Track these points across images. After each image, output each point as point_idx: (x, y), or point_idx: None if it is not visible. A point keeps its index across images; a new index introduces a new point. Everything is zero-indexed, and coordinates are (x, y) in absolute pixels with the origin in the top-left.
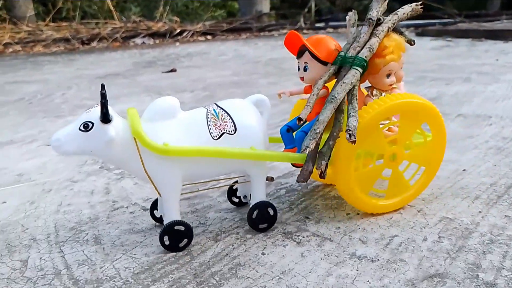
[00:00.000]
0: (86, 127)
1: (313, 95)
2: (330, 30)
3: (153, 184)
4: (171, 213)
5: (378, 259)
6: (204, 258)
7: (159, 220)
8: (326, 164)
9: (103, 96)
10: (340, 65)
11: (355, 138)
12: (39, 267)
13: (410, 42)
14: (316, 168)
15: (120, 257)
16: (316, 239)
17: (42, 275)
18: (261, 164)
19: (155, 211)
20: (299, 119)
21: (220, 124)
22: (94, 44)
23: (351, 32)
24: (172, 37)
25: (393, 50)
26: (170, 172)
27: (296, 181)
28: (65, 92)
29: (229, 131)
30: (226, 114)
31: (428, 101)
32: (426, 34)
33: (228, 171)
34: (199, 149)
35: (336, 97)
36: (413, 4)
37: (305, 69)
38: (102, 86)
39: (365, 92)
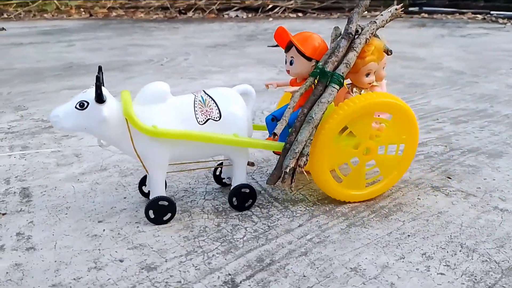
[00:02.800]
0: (82, 105)
1: (289, 108)
2: (425, 15)
3: (142, 162)
4: (157, 189)
5: None
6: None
7: (147, 195)
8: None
9: (98, 79)
10: (318, 78)
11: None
12: None
13: (387, 52)
14: (282, 181)
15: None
16: (461, 194)
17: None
18: (243, 150)
19: (143, 187)
20: (274, 134)
21: (206, 111)
22: (190, 14)
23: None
24: (263, 12)
25: (373, 52)
26: (157, 152)
27: (266, 183)
28: (186, 57)
29: (214, 118)
30: (212, 102)
31: (396, 99)
32: None
33: (212, 155)
34: (184, 133)
35: (313, 118)
36: (392, 9)
37: (291, 63)
38: (99, 69)
39: (347, 88)
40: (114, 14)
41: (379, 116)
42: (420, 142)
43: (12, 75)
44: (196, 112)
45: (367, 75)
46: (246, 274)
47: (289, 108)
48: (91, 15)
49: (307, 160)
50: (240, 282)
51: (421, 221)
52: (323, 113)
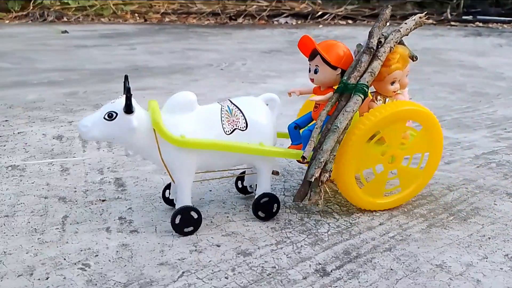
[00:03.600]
0: (111, 116)
1: (317, 128)
2: (480, 24)
3: (168, 171)
4: (183, 198)
5: None
6: (446, 200)
7: (169, 202)
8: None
9: (128, 91)
10: (341, 92)
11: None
12: None
13: (413, 58)
14: (309, 199)
15: None
16: None
17: None
18: (268, 159)
19: (167, 191)
20: (303, 157)
21: (233, 120)
22: (240, 20)
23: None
24: (313, 18)
25: (398, 60)
26: (184, 161)
27: (293, 201)
28: (243, 62)
29: (240, 127)
30: (239, 111)
31: (418, 106)
32: None
33: (238, 164)
34: (212, 143)
35: (338, 127)
36: (417, 17)
37: (315, 72)
38: (126, 78)
39: (371, 96)
40: (167, 19)
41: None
42: (490, 150)
43: (84, 75)
44: (223, 122)
45: (392, 83)
46: (335, 264)
47: (317, 128)
48: (145, 20)
49: (329, 176)
50: (331, 271)
51: (500, 225)
52: (348, 122)
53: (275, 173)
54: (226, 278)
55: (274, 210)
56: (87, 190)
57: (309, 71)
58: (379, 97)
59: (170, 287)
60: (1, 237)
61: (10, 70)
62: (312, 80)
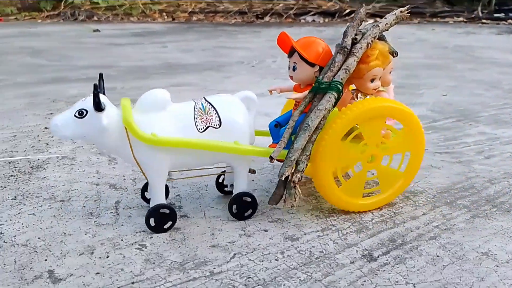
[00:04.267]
0: (81, 114)
1: (288, 128)
2: None
3: (141, 170)
4: (157, 197)
5: None
6: (488, 192)
7: (148, 201)
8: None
9: (95, 87)
10: (316, 92)
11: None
12: None
13: (393, 54)
14: (286, 196)
15: None
16: None
17: None
18: (244, 158)
19: (145, 193)
20: (271, 157)
21: (206, 118)
22: (266, 18)
23: None
24: (340, 16)
25: (378, 57)
26: (156, 160)
27: (268, 203)
28: (273, 60)
29: (214, 125)
30: (212, 109)
31: (397, 103)
32: None
33: (213, 162)
34: (183, 141)
35: (309, 125)
36: (397, 11)
37: (294, 69)
38: (100, 76)
39: (351, 94)
40: (194, 18)
41: (387, 122)
42: None
43: (120, 71)
44: (196, 120)
45: (372, 80)
46: (381, 250)
47: (288, 128)
48: (173, 19)
49: (301, 176)
50: (378, 257)
51: None
52: (321, 121)
53: (251, 171)
54: (277, 260)
55: (246, 214)
56: (135, 179)
57: (288, 68)
58: (359, 95)
59: (223, 267)
60: (59, 219)
61: (49, 67)
62: (291, 77)
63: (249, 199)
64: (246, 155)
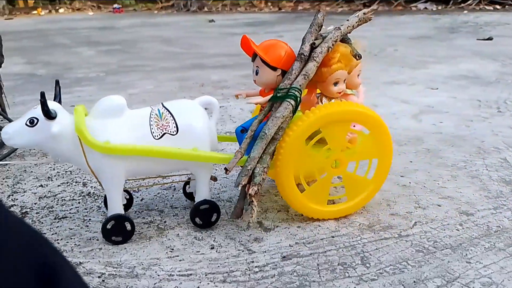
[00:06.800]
0: (32, 122)
1: (247, 138)
2: None
3: (97, 178)
4: (113, 206)
5: None
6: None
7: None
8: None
9: (42, 95)
10: (274, 101)
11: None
12: None
13: (356, 57)
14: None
15: None
16: None
17: None
18: (205, 165)
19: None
20: (225, 169)
21: (163, 125)
22: (374, 6)
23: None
24: (455, 3)
25: (340, 59)
26: (111, 168)
27: (230, 218)
28: (395, 48)
29: (170, 132)
30: (169, 115)
31: (362, 107)
32: None
33: (172, 170)
34: (137, 148)
35: (266, 133)
36: (360, 13)
37: (257, 73)
38: (57, 83)
39: (316, 98)
40: (300, 7)
41: (354, 127)
42: None
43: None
44: (151, 127)
45: (336, 84)
46: None
47: (247, 138)
48: (280, 9)
49: (258, 190)
50: None
51: None
52: (279, 129)
53: (213, 179)
54: (457, 230)
55: (213, 220)
56: None
57: (253, 72)
58: (324, 99)
59: (409, 232)
60: None
61: (185, 54)
62: (255, 81)
63: (207, 206)
64: (206, 162)
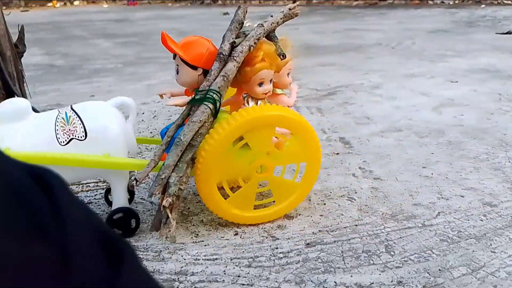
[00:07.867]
0: None
1: (162, 145)
2: None
3: None
4: None
5: None
6: None
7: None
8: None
9: None
10: (192, 104)
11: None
12: None
13: (280, 56)
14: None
15: None
16: None
17: None
18: (119, 172)
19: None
20: (136, 180)
21: (69, 129)
22: (390, 0)
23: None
24: None
25: (264, 58)
26: None
27: (150, 231)
28: (412, 41)
29: (78, 137)
30: (77, 119)
31: (288, 111)
32: None
33: (84, 178)
34: (38, 156)
35: (182, 140)
36: (286, 9)
37: (177, 72)
38: None
39: (243, 100)
40: (315, 1)
41: (279, 131)
42: None
43: None
44: (57, 132)
45: (261, 84)
46: None
47: (162, 145)
48: (294, 1)
49: (172, 201)
50: None
51: None
52: (196, 135)
53: (130, 186)
54: (481, 220)
55: (133, 226)
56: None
57: (175, 70)
58: (250, 100)
59: (433, 221)
60: None
61: None
62: (177, 81)
63: (121, 214)
64: (119, 169)
